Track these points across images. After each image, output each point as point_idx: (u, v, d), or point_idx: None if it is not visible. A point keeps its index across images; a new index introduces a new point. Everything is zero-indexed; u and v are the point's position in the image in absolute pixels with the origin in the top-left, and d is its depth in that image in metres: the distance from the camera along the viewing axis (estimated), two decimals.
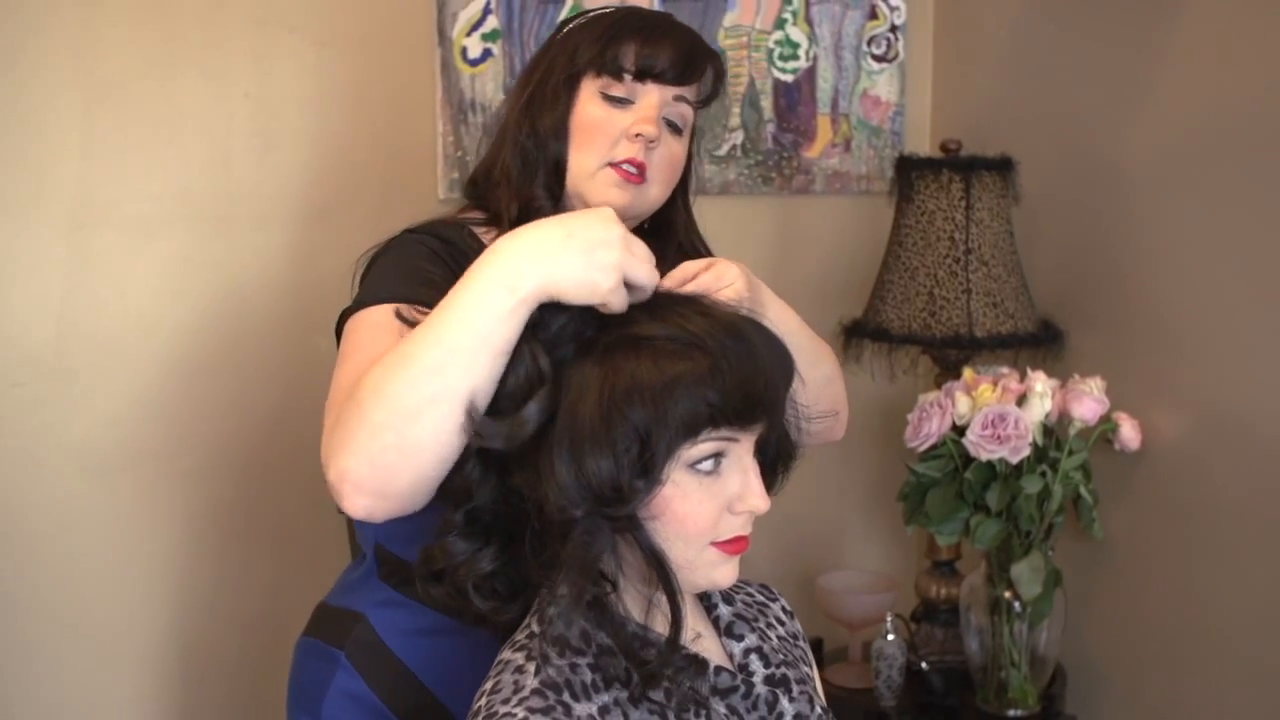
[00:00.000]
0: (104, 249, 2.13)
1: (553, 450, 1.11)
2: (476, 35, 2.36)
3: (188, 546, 2.24)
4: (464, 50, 2.36)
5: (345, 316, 1.41)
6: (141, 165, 2.14)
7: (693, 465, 1.13)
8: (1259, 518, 1.88)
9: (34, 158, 2.09)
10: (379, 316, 1.34)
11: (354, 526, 1.56)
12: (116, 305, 2.15)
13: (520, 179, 1.50)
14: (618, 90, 1.48)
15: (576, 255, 1.14)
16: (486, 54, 2.37)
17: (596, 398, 1.10)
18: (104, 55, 2.10)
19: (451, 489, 1.20)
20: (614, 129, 1.47)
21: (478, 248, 1.45)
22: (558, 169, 1.49)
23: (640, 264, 1.16)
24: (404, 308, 1.27)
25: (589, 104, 1.48)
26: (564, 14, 2.38)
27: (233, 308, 2.23)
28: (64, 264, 2.11)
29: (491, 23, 2.36)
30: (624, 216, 1.44)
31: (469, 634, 1.35)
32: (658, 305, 1.16)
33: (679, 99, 1.49)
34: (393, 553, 1.49)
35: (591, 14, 1.54)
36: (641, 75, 1.47)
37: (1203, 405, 1.98)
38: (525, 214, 1.46)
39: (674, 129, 1.50)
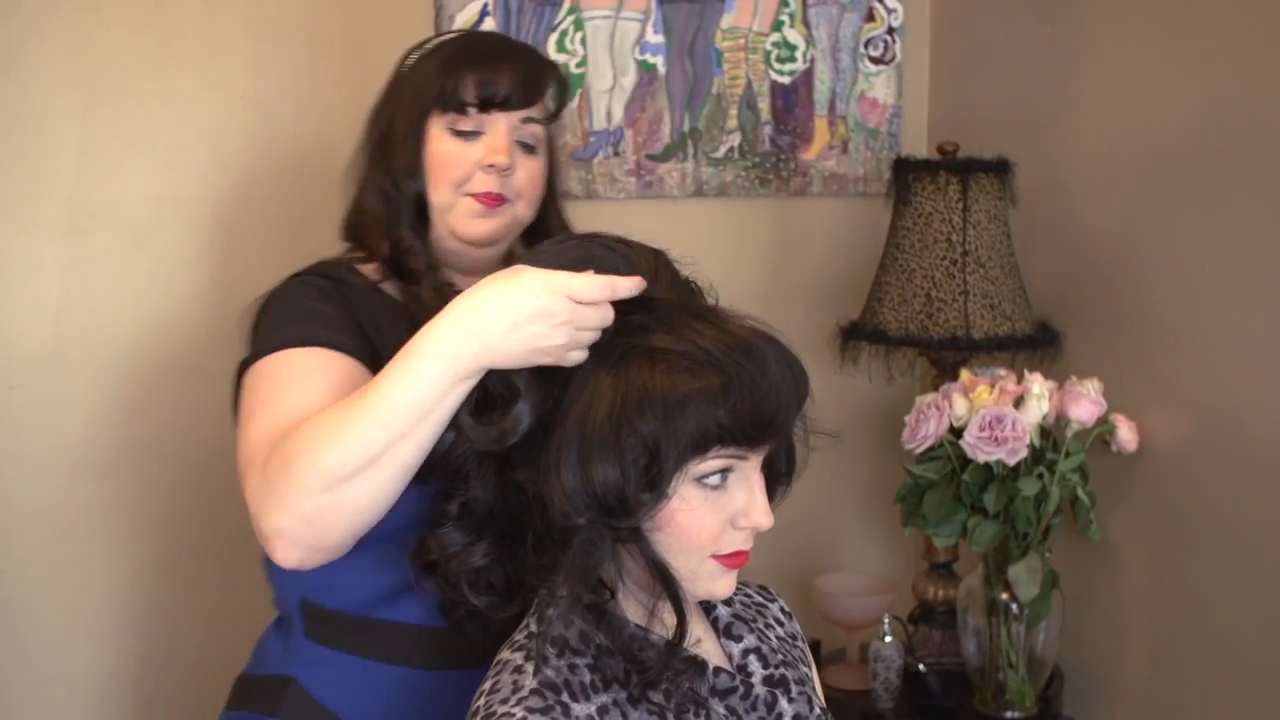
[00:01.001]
0: (101, 251, 2.13)
1: (559, 453, 1.11)
2: None
3: (184, 547, 2.24)
4: None
5: (244, 367, 1.42)
6: (139, 168, 2.14)
7: (699, 479, 1.13)
8: (1256, 519, 1.88)
9: (31, 160, 2.09)
10: (280, 365, 1.36)
11: (274, 588, 1.52)
12: (114, 307, 2.14)
13: (387, 219, 1.51)
14: (465, 124, 1.49)
15: (519, 345, 1.14)
16: None
17: (609, 406, 1.10)
18: (101, 58, 2.10)
19: (446, 479, 1.22)
20: (466, 162, 1.48)
21: (363, 284, 1.50)
22: (420, 207, 1.50)
23: (586, 335, 1.14)
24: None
25: (439, 141, 1.49)
26: (561, 16, 2.38)
27: (229, 310, 2.21)
28: (61, 266, 2.11)
29: (489, 24, 2.36)
30: (495, 240, 1.51)
31: (412, 679, 1.37)
32: (675, 318, 1.15)
33: (527, 120, 1.50)
34: (320, 605, 1.45)
35: (432, 44, 1.55)
36: (485, 106, 1.48)
37: (1200, 407, 1.98)
38: (396, 252, 1.50)
39: (527, 149, 1.52)
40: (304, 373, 1.33)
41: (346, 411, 1.20)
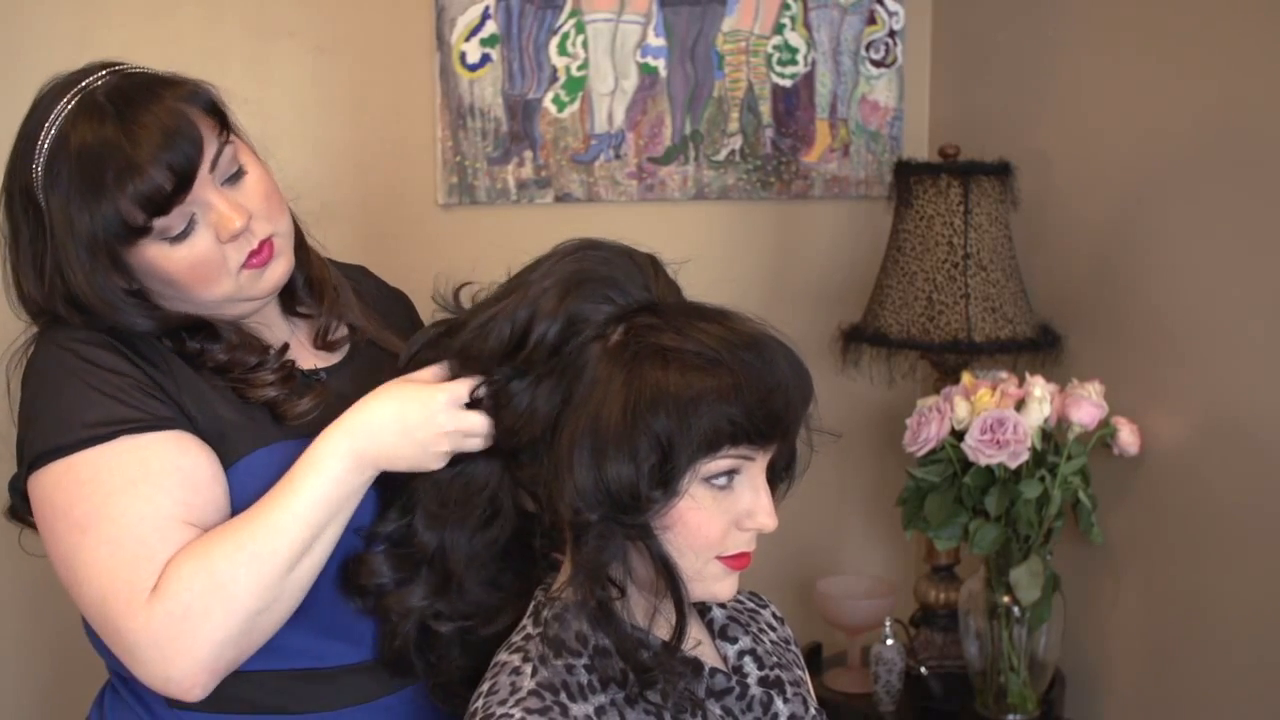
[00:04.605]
0: None
1: (572, 450, 1.12)
2: (475, 40, 2.36)
3: None
4: (463, 55, 2.36)
5: (32, 464, 1.22)
6: None
7: (708, 479, 1.14)
8: (1257, 522, 1.88)
9: None
10: (90, 470, 1.20)
11: (109, 657, 1.32)
12: None
13: (143, 329, 1.28)
14: (172, 228, 1.24)
15: (411, 449, 1.21)
16: (485, 59, 2.38)
17: (622, 404, 1.11)
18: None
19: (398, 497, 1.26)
20: (209, 252, 1.26)
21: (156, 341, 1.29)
22: (166, 314, 1.29)
23: (472, 440, 1.21)
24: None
25: (160, 257, 1.25)
26: (562, 19, 2.38)
27: None
28: None
29: (490, 28, 2.36)
30: (290, 272, 1.35)
31: None
32: (681, 318, 1.16)
33: (214, 164, 1.26)
34: None
35: (47, 151, 1.23)
36: (178, 193, 1.22)
37: (1201, 409, 1.98)
38: (187, 358, 1.30)
39: (237, 175, 1.29)
40: (129, 479, 1.19)
41: (258, 528, 1.18)
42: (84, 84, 1.25)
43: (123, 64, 1.29)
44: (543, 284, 1.18)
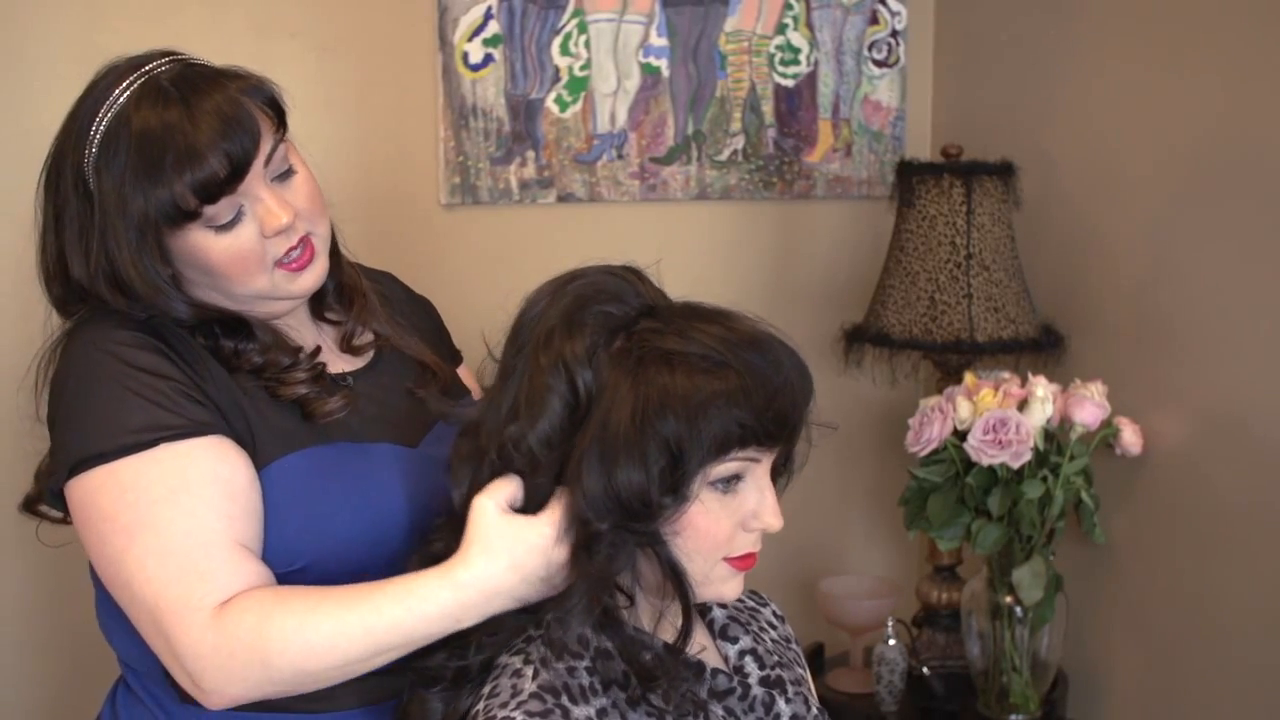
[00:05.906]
0: None
1: (581, 458, 1.11)
2: (478, 40, 2.36)
3: None
4: (465, 55, 2.36)
5: (73, 466, 1.21)
6: None
7: (714, 482, 1.14)
8: (1260, 522, 1.87)
9: (35, 165, 2.08)
10: (133, 478, 1.20)
11: (120, 648, 1.34)
12: None
13: (182, 315, 1.28)
14: (220, 217, 1.25)
15: (526, 592, 1.17)
16: (488, 59, 2.38)
17: (630, 410, 1.10)
18: (105, 60, 2.10)
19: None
20: (252, 245, 1.27)
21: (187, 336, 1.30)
22: (203, 303, 1.30)
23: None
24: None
25: (203, 244, 1.26)
26: (565, 19, 2.38)
27: None
28: None
29: (493, 28, 2.36)
30: (325, 276, 1.35)
31: None
32: (681, 320, 1.15)
33: (269, 159, 1.27)
34: None
35: (102, 132, 1.25)
36: (231, 181, 1.24)
37: (1204, 409, 1.97)
38: (222, 358, 1.30)
39: (286, 174, 1.30)
40: (170, 489, 1.19)
41: (323, 622, 1.16)
42: (147, 68, 1.27)
43: (183, 54, 1.32)
44: (552, 334, 1.14)
